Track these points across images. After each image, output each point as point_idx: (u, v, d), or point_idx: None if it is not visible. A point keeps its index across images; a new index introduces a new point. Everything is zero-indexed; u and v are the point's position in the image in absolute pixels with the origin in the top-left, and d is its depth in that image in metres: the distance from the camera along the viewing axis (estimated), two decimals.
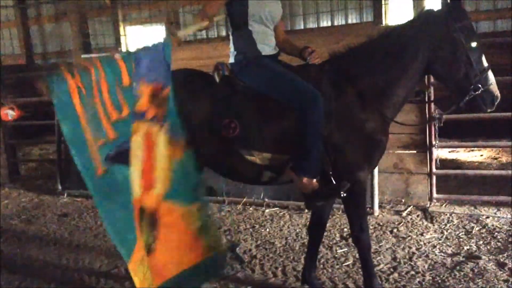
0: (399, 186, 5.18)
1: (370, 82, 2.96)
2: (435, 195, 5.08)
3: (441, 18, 2.90)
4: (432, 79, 4.67)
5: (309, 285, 3.42)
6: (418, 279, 3.52)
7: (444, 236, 4.26)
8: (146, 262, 2.56)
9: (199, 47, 6.57)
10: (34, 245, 4.61)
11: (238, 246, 4.26)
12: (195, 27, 2.92)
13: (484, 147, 7.13)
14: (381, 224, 4.63)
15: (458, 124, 5.72)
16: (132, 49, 2.74)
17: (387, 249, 4.06)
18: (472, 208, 4.91)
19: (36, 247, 4.55)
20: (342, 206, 4.06)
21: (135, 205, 2.53)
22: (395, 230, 4.46)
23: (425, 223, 4.60)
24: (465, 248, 4.00)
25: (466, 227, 4.44)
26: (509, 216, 4.60)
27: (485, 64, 2.90)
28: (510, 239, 4.09)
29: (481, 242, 4.10)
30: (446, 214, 4.75)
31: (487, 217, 4.62)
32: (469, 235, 4.25)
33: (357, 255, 3.43)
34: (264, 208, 5.28)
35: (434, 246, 4.07)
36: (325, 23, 14.72)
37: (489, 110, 2.98)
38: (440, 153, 6.44)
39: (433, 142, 4.98)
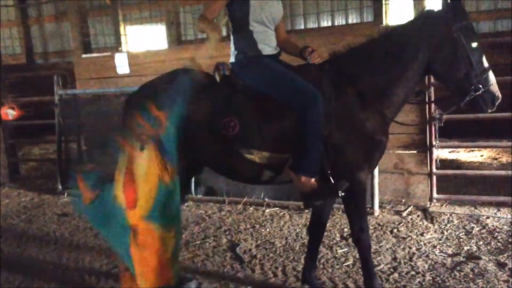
0: (399, 186, 5.18)
1: (370, 82, 2.97)
2: (435, 195, 5.07)
3: (441, 18, 2.90)
4: (432, 79, 4.66)
5: (309, 285, 3.42)
6: (418, 279, 3.52)
7: (444, 236, 4.26)
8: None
9: (200, 47, 6.55)
10: (34, 245, 4.61)
11: (238, 246, 4.26)
12: (212, 43, 2.92)
13: (484, 147, 7.12)
14: (381, 224, 4.63)
15: (458, 124, 5.72)
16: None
17: (387, 249, 4.06)
18: (472, 208, 4.91)
19: (36, 247, 4.55)
20: (342, 206, 4.06)
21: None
22: (395, 230, 4.46)
23: (425, 223, 4.60)
24: (465, 248, 4.00)
25: (466, 227, 4.44)
26: (509, 216, 4.60)
27: (486, 64, 2.90)
28: (510, 240, 4.09)
29: (481, 242, 4.10)
30: (446, 214, 4.75)
31: (487, 217, 4.62)
32: (469, 235, 4.25)
33: (357, 255, 3.43)
34: (264, 208, 5.28)
35: (434, 246, 4.07)
36: (326, 23, 14.72)
37: (489, 111, 2.98)
38: (440, 153, 6.44)
39: (433, 142, 4.98)
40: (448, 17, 2.88)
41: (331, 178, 2.93)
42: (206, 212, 5.29)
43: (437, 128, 4.92)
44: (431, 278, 3.53)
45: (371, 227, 4.46)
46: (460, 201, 5.05)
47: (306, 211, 4.87)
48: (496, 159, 6.88)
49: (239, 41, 3.14)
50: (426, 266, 3.71)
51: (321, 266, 3.80)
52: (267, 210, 5.21)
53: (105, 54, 7.21)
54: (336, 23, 14.51)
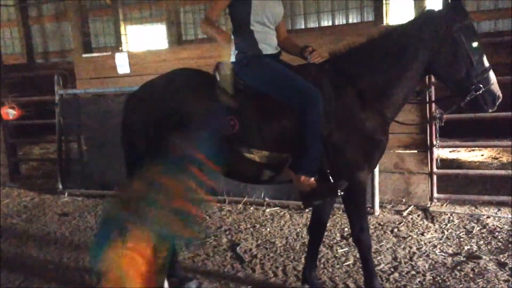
0: (399, 185, 5.18)
1: (370, 82, 2.97)
2: (435, 195, 5.07)
3: (442, 18, 2.90)
4: (433, 79, 4.66)
5: (310, 285, 3.42)
6: (418, 279, 3.52)
7: (445, 236, 4.26)
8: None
9: (201, 47, 6.56)
10: (34, 245, 4.61)
11: (238, 246, 4.26)
12: (227, 53, 2.93)
13: (485, 147, 7.12)
14: (381, 223, 4.63)
15: (459, 124, 5.72)
16: None
17: (387, 249, 4.06)
18: (473, 208, 4.90)
19: (37, 247, 4.55)
20: (342, 206, 4.07)
21: None
22: (395, 230, 4.46)
23: (426, 223, 4.60)
24: (466, 248, 4.00)
25: (466, 227, 4.44)
26: (509, 216, 4.60)
27: (486, 64, 2.90)
28: (510, 239, 4.09)
29: (481, 242, 4.10)
30: (447, 214, 4.75)
31: (488, 217, 4.62)
32: (470, 235, 4.25)
33: (357, 255, 3.43)
34: (264, 207, 5.28)
35: (435, 246, 4.07)
36: (326, 22, 14.73)
37: (490, 110, 2.98)
38: (441, 152, 6.44)
39: (434, 142, 4.98)
40: (448, 17, 2.88)
41: (330, 178, 2.93)
42: (206, 211, 5.29)
43: (438, 127, 4.92)
44: (431, 277, 3.53)
45: (371, 227, 4.46)
46: (461, 200, 5.05)
47: (307, 210, 4.87)
48: (497, 158, 6.87)
49: (239, 40, 3.14)
50: (427, 266, 3.71)
51: (322, 265, 3.80)
52: (268, 210, 5.21)
53: (105, 53, 7.21)
54: (336, 23, 14.52)
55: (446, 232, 4.34)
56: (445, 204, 5.02)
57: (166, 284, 3.33)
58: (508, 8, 11.20)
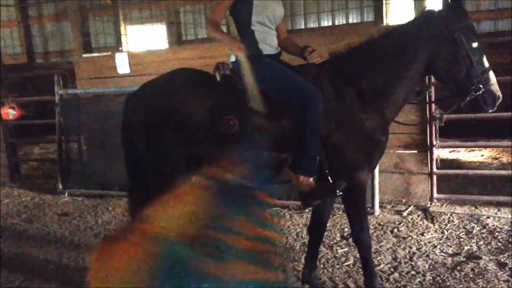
0: (399, 186, 5.18)
1: (370, 82, 2.97)
2: (435, 195, 5.07)
3: (441, 18, 2.90)
4: (433, 79, 4.66)
5: (310, 285, 3.42)
6: (418, 279, 3.52)
7: (445, 236, 4.26)
8: None
9: (201, 47, 6.57)
10: (34, 244, 4.61)
11: None
12: (244, 61, 2.92)
13: (485, 147, 7.12)
14: (381, 224, 4.63)
15: (459, 124, 5.72)
16: None
17: (387, 249, 4.06)
18: (473, 208, 4.90)
19: (37, 247, 4.55)
20: (342, 206, 4.07)
21: None
22: (395, 230, 4.46)
23: (426, 223, 4.60)
24: (466, 248, 4.00)
25: (466, 227, 4.44)
26: (509, 216, 4.60)
27: (486, 64, 2.90)
28: (510, 239, 4.09)
29: (481, 242, 4.10)
30: (447, 214, 4.75)
31: (488, 217, 4.62)
32: (470, 235, 4.25)
33: (357, 255, 3.43)
34: None
35: (435, 246, 4.07)
36: (326, 22, 14.73)
37: (490, 111, 2.98)
38: (441, 153, 6.43)
39: (434, 142, 4.98)
40: (448, 17, 2.88)
41: (329, 178, 2.93)
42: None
43: (438, 127, 4.92)
44: (431, 277, 3.53)
45: (371, 227, 4.46)
46: (461, 201, 5.05)
47: (307, 210, 4.87)
48: (497, 158, 6.87)
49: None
50: (427, 266, 3.71)
51: (322, 265, 3.80)
52: (267, 210, 5.19)
53: (105, 53, 7.22)
54: (336, 23, 14.53)
55: (446, 232, 4.34)
56: (445, 204, 5.02)
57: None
58: (508, 8, 11.20)
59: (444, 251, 3.97)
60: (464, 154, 7.25)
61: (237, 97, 3.01)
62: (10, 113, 6.76)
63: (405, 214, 4.84)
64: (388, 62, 2.96)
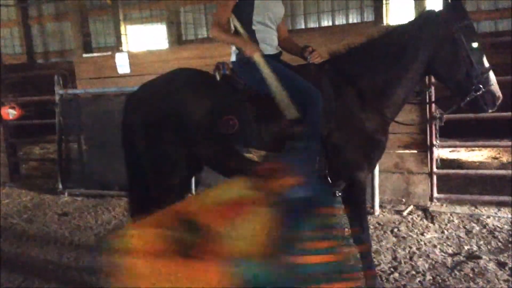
0: (399, 185, 5.18)
1: (370, 82, 2.97)
2: (435, 194, 5.07)
3: (442, 19, 2.90)
4: (433, 79, 4.66)
5: None
6: (418, 279, 3.52)
7: (445, 236, 4.26)
8: None
9: (201, 47, 6.57)
10: (34, 244, 4.60)
11: None
12: (262, 62, 2.94)
13: (485, 146, 7.12)
14: (381, 223, 4.63)
15: (459, 124, 5.72)
16: None
17: (387, 249, 4.06)
18: (473, 208, 4.90)
19: (37, 246, 4.54)
20: (342, 205, 4.06)
21: None
22: (395, 230, 4.45)
23: (426, 222, 4.60)
24: (466, 248, 4.00)
25: (466, 226, 4.44)
26: (509, 215, 4.60)
27: (486, 64, 2.90)
28: (510, 239, 4.09)
29: (481, 242, 4.10)
30: (447, 214, 4.75)
31: (488, 217, 4.62)
32: (470, 235, 4.25)
33: (357, 255, 3.43)
34: None
35: (435, 246, 4.06)
36: (326, 22, 14.73)
37: (490, 111, 2.98)
38: (441, 152, 6.43)
39: (434, 142, 4.98)
40: (448, 17, 2.88)
41: (328, 178, 2.93)
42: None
43: (438, 127, 4.92)
44: (431, 277, 3.53)
45: (371, 227, 4.46)
46: (461, 200, 5.05)
47: None
48: (497, 158, 6.87)
49: None
50: (427, 266, 3.71)
51: None
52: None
53: (105, 53, 7.23)
54: (336, 23, 14.53)
55: (446, 232, 4.34)
56: (445, 204, 5.02)
57: None
58: (508, 8, 11.20)
59: (444, 250, 3.97)
60: (464, 154, 7.25)
61: (237, 97, 3.01)
62: (10, 113, 6.76)
63: (405, 214, 4.84)
64: (388, 62, 2.96)
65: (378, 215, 4.85)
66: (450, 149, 7.23)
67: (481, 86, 2.85)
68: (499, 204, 4.87)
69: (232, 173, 3.20)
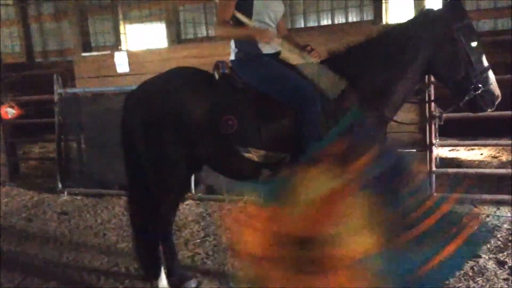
0: None
1: (369, 81, 2.96)
2: (434, 193, 5.06)
3: (441, 18, 2.90)
4: (432, 78, 4.66)
5: None
6: None
7: None
8: None
9: (200, 46, 6.57)
10: (34, 244, 4.60)
11: None
12: (286, 44, 2.98)
13: (484, 145, 7.11)
14: None
15: (458, 123, 5.71)
16: None
17: None
18: (472, 206, 4.90)
19: (36, 246, 4.55)
20: None
21: None
22: None
23: None
24: None
25: None
26: (509, 214, 4.60)
27: (486, 63, 2.90)
28: (510, 238, 4.09)
29: (481, 240, 4.09)
30: None
31: (487, 216, 4.62)
32: None
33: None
34: None
35: None
36: (326, 21, 14.73)
37: (489, 110, 2.98)
38: (440, 151, 6.43)
39: (433, 141, 4.97)
40: (448, 16, 2.88)
41: None
42: (206, 210, 5.29)
43: (437, 126, 4.91)
44: None
45: None
46: (460, 199, 5.03)
47: None
48: (496, 157, 6.87)
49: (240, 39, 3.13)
50: None
51: None
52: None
53: (105, 52, 7.23)
54: (336, 22, 14.53)
55: None
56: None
57: (165, 283, 3.34)
58: (507, 7, 11.20)
59: None
60: (463, 153, 7.24)
61: (236, 96, 3.01)
62: (10, 112, 6.75)
63: None
64: (388, 62, 2.96)
65: None
66: (450, 148, 7.23)
67: (480, 85, 2.85)
68: (499, 203, 4.87)
69: (231, 172, 3.21)
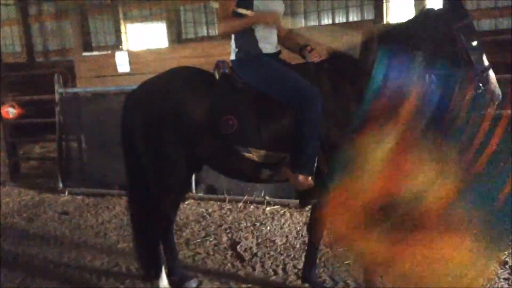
0: None
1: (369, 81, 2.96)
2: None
3: (441, 17, 2.90)
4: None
5: (310, 283, 3.42)
6: None
7: None
8: None
9: (201, 45, 6.57)
10: (35, 243, 4.60)
11: (239, 244, 4.26)
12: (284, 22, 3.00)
13: None
14: None
15: None
16: None
17: None
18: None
19: (37, 245, 4.55)
20: None
21: None
22: None
23: None
24: None
25: None
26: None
27: (486, 63, 2.90)
28: (511, 237, 4.08)
29: None
30: None
31: None
32: None
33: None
34: (265, 206, 5.27)
35: None
36: (326, 21, 14.74)
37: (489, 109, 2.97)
38: None
39: None
40: (448, 16, 2.88)
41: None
42: (207, 210, 5.29)
43: None
44: None
45: None
46: None
47: (307, 209, 4.87)
48: None
49: (240, 38, 3.13)
50: None
51: (322, 264, 3.80)
52: (268, 208, 5.20)
53: (105, 52, 7.24)
54: (336, 21, 14.54)
55: None
56: None
57: (166, 283, 3.34)
58: (508, 6, 11.19)
59: None
60: None
61: (237, 96, 3.01)
62: (10, 112, 6.76)
63: None
64: None
65: None
66: None
67: (480, 85, 2.85)
68: None
69: (231, 172, 3.21)
